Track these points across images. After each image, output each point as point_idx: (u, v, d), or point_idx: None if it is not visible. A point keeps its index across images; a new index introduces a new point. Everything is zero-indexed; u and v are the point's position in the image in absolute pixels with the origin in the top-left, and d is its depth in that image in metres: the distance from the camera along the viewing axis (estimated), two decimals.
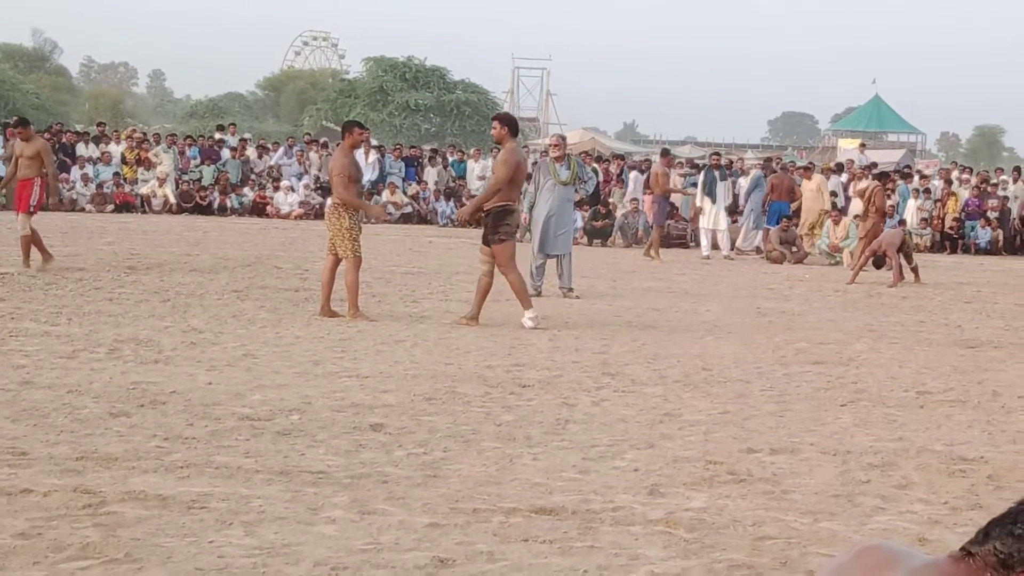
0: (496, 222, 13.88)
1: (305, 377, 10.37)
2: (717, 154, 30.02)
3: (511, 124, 14.34)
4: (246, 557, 5.71)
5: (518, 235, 14.76)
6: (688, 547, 6.12)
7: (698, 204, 27.87)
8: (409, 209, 35.48)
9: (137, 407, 8.87)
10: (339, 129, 16.81)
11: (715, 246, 27.80)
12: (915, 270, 22.03)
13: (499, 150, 15.33)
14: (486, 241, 13.99)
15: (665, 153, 29.76)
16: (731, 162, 34.87)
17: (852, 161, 36.82)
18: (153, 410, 8.81)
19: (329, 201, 15.59)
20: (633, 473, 7.59)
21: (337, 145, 15.45)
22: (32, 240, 18.25)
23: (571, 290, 17.67)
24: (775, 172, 31.08)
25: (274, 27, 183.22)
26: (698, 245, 28.54)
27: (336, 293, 14.50)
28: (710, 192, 27.53)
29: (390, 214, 34.60)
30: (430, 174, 37.40)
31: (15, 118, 20.92)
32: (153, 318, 13.53)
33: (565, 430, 8.72)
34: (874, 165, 35.98)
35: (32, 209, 18.22)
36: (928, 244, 32.09)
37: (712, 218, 27.60)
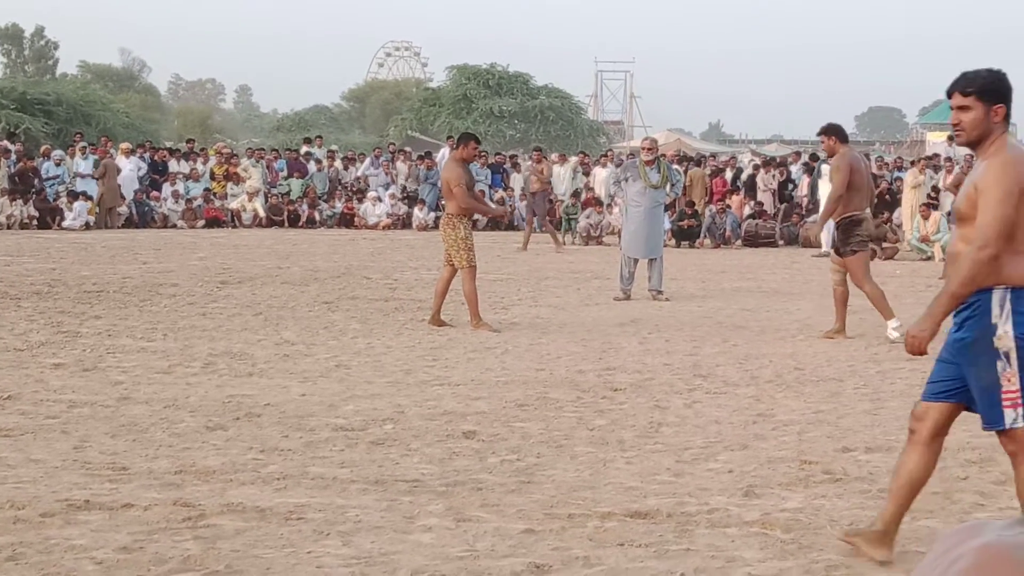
0: (846, 234, 13.51)
1: (397, 386, 10.43)
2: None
3: (837, 132, 13.90)
4: (344, 567, 5.77)
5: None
6: (785, 548, 6.10)
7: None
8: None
9: (233, 420, 8.98)
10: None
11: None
12: None
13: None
14: (838, 252, 13.71)
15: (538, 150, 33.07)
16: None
17: (938, 155, 36.46)
18: (248, 423, 8.91)
19: (435, 213, 15.42)
20: (728, 475, 7.56)
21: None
22: None
23: (660, 292, 17.59)
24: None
25: (357, 40, 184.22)
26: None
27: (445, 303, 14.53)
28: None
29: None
30: (516, 180, 37.40)
31: None
32: (246, 331, 13.67)
33: (658, 433, 8.71)
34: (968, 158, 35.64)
35: None
36: None
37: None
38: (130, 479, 7.30)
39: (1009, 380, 5.59)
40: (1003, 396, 5.62)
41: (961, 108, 5.73)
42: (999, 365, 5.60)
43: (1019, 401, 5.60)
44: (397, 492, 7.07)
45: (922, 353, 5.71)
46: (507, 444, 8.31)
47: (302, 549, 6.02)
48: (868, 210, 13.88)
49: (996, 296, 5.62)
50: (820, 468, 7.70)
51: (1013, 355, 5.58)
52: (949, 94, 5.81)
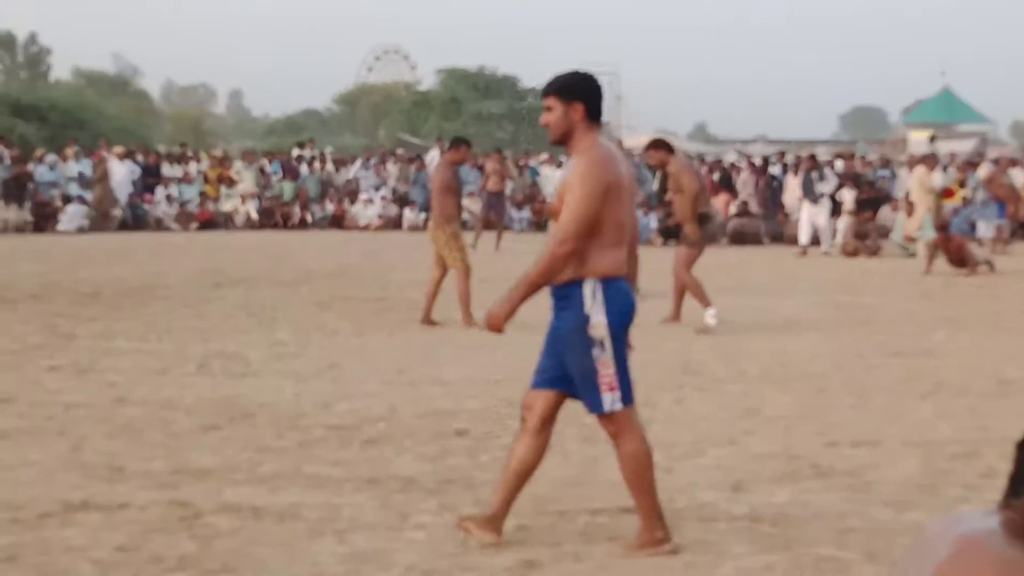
0: (696, 226, 14.58)
1: (390, 385, 10.51)
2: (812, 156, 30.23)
3: (665, 146, 14.58)
4: (339, 564, 5.86)
5: None
6: (773, 542, 6.19)
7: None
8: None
9: (228, 420, 9.06)
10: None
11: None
12: (988, 261, 21.85)
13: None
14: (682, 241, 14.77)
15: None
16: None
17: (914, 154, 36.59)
18: (243, 423, 9.00)
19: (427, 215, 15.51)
20: (716, 470, 7.65)
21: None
22: None
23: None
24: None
25: (347, 42, 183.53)
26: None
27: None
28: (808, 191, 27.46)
29: (466, 220, 34.71)
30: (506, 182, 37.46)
31: None
32: (240, 332, 13.75)
33: (647, 429, 8.71)
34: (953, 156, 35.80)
35: None
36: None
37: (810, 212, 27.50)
38: (127, 479, 7.38)
39: (605, 365, 5.87)
40: (600, 381, 5.89)
41: (547, 109, 6.01)
42: (594, 352, 5.88)
43: (615, 384, 5.88)
44: (390, 490, 7.16)
45: (499, 331, 6.02)
46: (499, 442, 8.39)
47: (297, 547, 6.11)
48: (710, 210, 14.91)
49: (587, 287, 5.88)
50: (807, 463, 7.79)
51: (607, 342, 5.86)
52: (541, 98, 6.09)
